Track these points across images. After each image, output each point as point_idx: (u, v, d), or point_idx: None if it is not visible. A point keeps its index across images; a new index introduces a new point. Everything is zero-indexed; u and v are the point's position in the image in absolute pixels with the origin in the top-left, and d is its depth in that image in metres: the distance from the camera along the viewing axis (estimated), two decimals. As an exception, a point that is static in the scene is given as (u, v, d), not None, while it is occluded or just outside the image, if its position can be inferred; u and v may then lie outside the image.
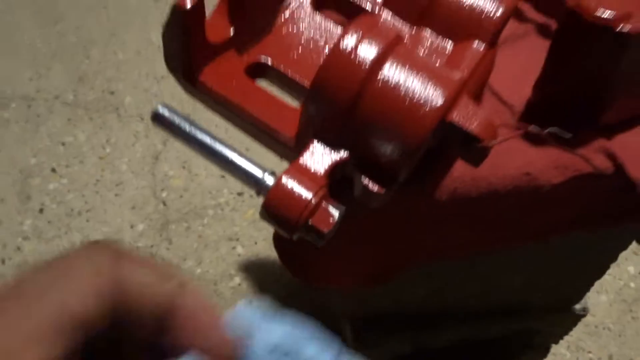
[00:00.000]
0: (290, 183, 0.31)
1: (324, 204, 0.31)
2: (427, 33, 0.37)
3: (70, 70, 1.44)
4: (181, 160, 1.26)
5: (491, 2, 0.37)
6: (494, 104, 0.46)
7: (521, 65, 0.48)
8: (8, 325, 0.15)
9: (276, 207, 0.31)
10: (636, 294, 1.03)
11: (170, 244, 1.13)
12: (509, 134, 0.35)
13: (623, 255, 1.08)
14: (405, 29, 0.37)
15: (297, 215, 0.30)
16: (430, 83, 0.32)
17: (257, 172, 0.33)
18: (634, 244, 0.55)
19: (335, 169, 0.34)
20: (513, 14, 0.53)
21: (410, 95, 0.32)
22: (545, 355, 0.86)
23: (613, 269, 1.06)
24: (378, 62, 0.32)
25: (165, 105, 0.35)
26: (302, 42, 0.45)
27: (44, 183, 1.22)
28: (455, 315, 0.64)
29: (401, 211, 0.41)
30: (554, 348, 0.96)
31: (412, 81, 0.32)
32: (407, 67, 0.32)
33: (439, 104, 0.31)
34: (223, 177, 1.22)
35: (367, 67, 0.31)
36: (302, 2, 0.48)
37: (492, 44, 0.38)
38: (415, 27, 0.37)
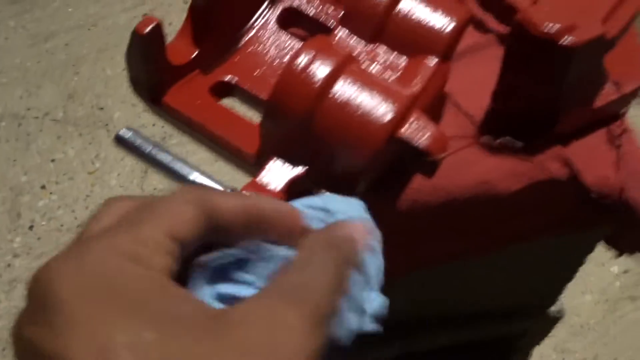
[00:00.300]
0: None
1: None
2: (382, 50, 0.39)
3: (59, 88, 1.46)
4: (170, 174, 1.27)
5: (443, 18, 0.38)
6: (454, 114, 0.47)
7: (482, 76, 0.49)
8: (134, 239, 0.18)
9: None
10: (620, 293, 1.04)
11: (160, 257, 1.14)
12: (459, 146, 0.36)
13: (607, 255, 1.09)
14: (361, 46, 0.39)
15: None
16: (380, 99, 0.33)
17: (218, 189, 0.35)
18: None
19: (292, 185, 0.35)
20: (472, 24, 0.55)
21: (360, 112, 0.33)
22: (530, 357, 0.87)
23: (597, 269, 1.07)
24: (329, 80, 0.33)
25: (129, 129, 0.37)
26: (267, 60, 0.47)
27: (34, 200, 1.23)
28: (436, 322, 0.65)
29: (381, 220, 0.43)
30: (540, 349, 0.97)
31: (363, 98, 0.33)
32: (358, 84, 0.34)
33: (387, 120, 0.33)
34: (211, 189, 1.23)
35: (318, 85, 0.33)
36: (268, 20, 0.49)
37: (445, 58, 0.39)
38: (370, 44, 0.39)
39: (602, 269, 1.06)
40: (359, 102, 0.33)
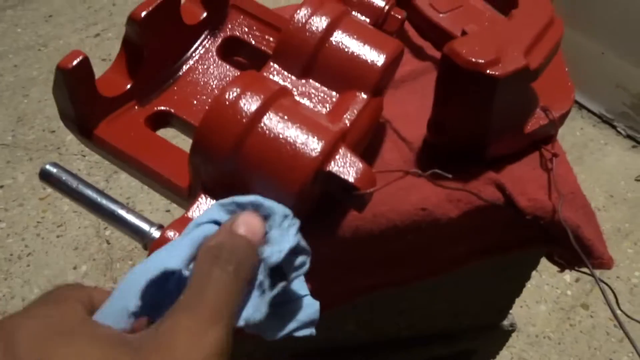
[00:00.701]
0: (173, 237, 0.32)
1: None
2: (313, 84, 0.39)
3: (8, 111, 1.42)
4: (125, 197, 1.24)
5: (371, 54, 0.39)
6: (394, 141, 0.48)
7: (420, 102, 0.51)
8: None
9: None
10: (573, 302, 1.07)
11: (115, 284, 1.11)
12: (387, 181, 0.37)
13: (559, 264, 1.12)
14: (292, 80, 0.39)
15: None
16: (308, 135, 0.33)
17: (143, 226, 0.34)
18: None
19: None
20: (411, 52, 0.56)
21: (288, 147, 0.33)
22: (488, 369, 0.88)
23: (550, 279, 1.10)
24: (256, 116, 0.33)
25: (54, 164, 0.36)
26: (206, 89, 0.47)
27: (-18, 229, 1.19)
28: (389, 344, 0.65)
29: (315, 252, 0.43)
30: (498, 361, 0.98)
31: (291, 133, 0.33)
32: (286, 119, 0.33)
33: (315, 155, 0.33)
34: (168, 211, 1.21)
35: (245, 120, 0.33)
36: (208, 50, 0.49)
37: (376, 92, 0.39)
38: (302, 79, 0.39)
39: (555, 279, 1.08)
40: (286, 137, 0.33)
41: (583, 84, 1.33)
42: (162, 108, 0.45)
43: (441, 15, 0.54)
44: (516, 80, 0.39)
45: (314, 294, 0.49)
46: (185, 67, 0.48)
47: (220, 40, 0.49)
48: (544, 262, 0.56)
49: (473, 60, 0.38)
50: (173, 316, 0.23)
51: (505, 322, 0.71)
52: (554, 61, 0.43)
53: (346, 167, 0.34)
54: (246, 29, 0.50)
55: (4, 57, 1.55)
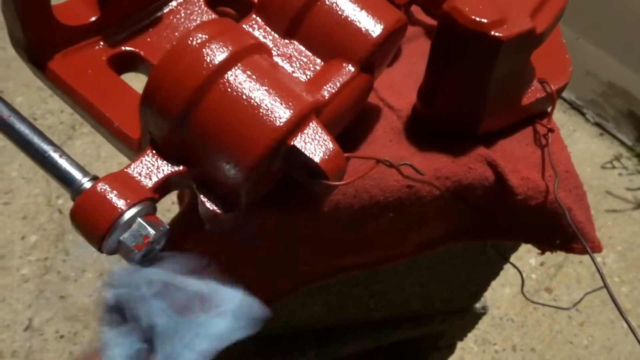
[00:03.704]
0: (104, 191, 0.27)
1: (140, 220, 0.27)
2: (297, 47, 0.34)
3: (-49, 67, 1.31)
4: (81, 164, 1.17)
5: (367, 23, 0.34)
6: (381, 108, 0.44)
7: (409, 69, 0.47)
8: None
9: (83, 215, 0.27)
10: (537, 285, 1.07)
11: (67, 256, 1.05)
12: (357, 175, 0.33)
13: (525, 248, 1.12)
14: (276, 39, 0.34)
15: (104, 227, 0.27)
16: (277, 101, 0.29)
17: (76, 174, 0.29)
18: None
19: (166, 183, 0.30)
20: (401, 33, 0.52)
21: (250, 111, 0.28)
22: (453, 352, 0.87)
23: (515, 262, 1.10)
24: (220, 69, 0.28)
25: None
26: None
27: None
28: (358, 325, 0.63)
29: (282, 230, 0.39)
30: (462, 343, 0.98)
31: (256, 96, 0.28)
32: (254, 79, 0.29)
33: (279, 124, 0.28)
34: (126, 181, 1.15)
35: (205, 71, 0.28)
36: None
37: (366, 68, 0.35)
38: (285, 39, 0.34)
39: (520, 263, 1.08)
40: (250, 99, 0.28)
41: (555, 69, 1.33)
42: (131, 49, 0.40)
43: (433, -24, 0.50)
44: (520, 44, 0.36)
45: (284, 273, 0.46)
46: (165, 9, 0.42)
47: None
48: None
49: (477, 19, 0.34)
50: None
51: (478, 305, 0.69)
52: (552, 33, 0.40)
53: (314, 144, 0.29)
54: None
55: (-53, 8, 1.43)
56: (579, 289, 1.06)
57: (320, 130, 0.30)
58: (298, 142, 0.29)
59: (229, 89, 0.28)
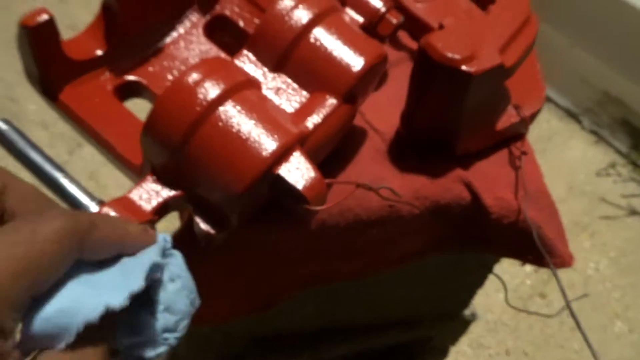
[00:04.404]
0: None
1: None
2: (285, 80, 0.37)
3: (-36, 76, 1.35)
4: (88, 171, 1.21)
5: (349, 58, 0.36)
6: (366, 130, 0.47)
7: (393, 92, 0.50)
8: None
9: None
10: (531, 291, 1.10)
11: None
12: (339, 198, 0.36)
13: (520, 254, 1.15)
14: (266, 73, 0.37)
15: None
16: (264, 133, 0.32)
17: (83, 199, 0.33)
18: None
19: (164, 206, 0.33)
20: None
21: (240, 143, 0.31)
22: (446, 355, 0.90)
23: (510, 268, 1.13)
24: (213, 104, 0.31)
25: (6, 122, 0.35)
26: (184, 66, 0.45)
27: None
28: (349, 329, 0.66)
29: (272, 244, 0.42)
30: (456, 347, 1.01)
31: (246, 129, 0.31)
32: (244, 113, 0.32)
33: (265, 155, 0.31)
34: (133, 187, 1.18)
35: (200, 107, 0.31)
36: (195, 26, 0.47)
37: (348, 99, 0.37)
38: (275, 73, 0.37)
39: (515, 268, 1.11)
40: (240, 132, 0.31)
41: (551, 77, 1.35)
42: (134, 78, 0.43)
43: (418, 5, 0.53)
44: (490, 77, 0.39)
45: (271, 279, 0.49)
46: (167, 40, 0.46)
47: (208, 17, 0.47)
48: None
49: (449, 55, 0.38)
50: None
51: (467, 312, 0.72)
52: (527, 59, 0.43)
53: (297, 173, 0.32)
54: (237, 9, 0.48)
55: (-39, 17, 1.47)
56: (570, 295, 1.08)
57: (303, 160, 0.33)
58: (282, 171, 0.32)
59: (221, 123, 0.32)
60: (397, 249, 0.48)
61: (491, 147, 0.46)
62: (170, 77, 0.45)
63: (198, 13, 0.47)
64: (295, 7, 0.36)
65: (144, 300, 0.26)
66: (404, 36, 0.56)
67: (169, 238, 0.29)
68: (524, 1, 0.43)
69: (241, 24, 0.47)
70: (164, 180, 0.33)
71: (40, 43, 0.36)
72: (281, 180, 0.32)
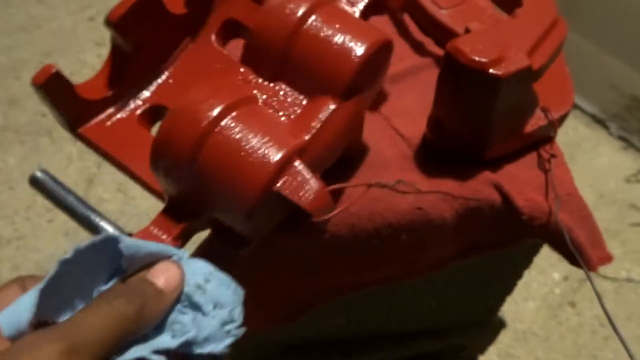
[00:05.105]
0: None
1: None
2: (284, 88, 0.36)
3: (0, 93, 1.40)
4: (116, 183, 1.24)
5: (349, 46, 0.34)
6: (392, 136, 0.48)
7: (419, 98, 0.50)
8: None
9: None
10: (560, 300, 1.08)
11: (106, 270, 1.11)
12: (352, 201, 0.36)
13: (548, 262, 1.13)
14: (262, 84, 0.36)
15: None
16: (260, 150, 0.31)
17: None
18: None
19: (185, 231, 0.33)
20: (411, 47, 0.56)
21: (239, 163, 0.31)
22: (476, 365, 0.89)
23: (539, 277, 1.11)
24: (208, 129, 0.31)
25: (43, 171, 0.37)
26: (201, 78, 0.46)
27: (-29, 212, 1.18)
28: (380, 337, 0.66)
29: (302, 253, 0.43)
30: (485, 356, 0.99)
31: (242, 149, 0.31)
32: (240, 132, 0.31)
33: (262, 175, 0.30)
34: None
35: (197, 135, 0.31)
36: (205, 37, 0.48)
37: (349, 95, 0.35)
38: (272, 83, 0.36)
39: (543, 277, 1.09)
40: (239, 152, 0.31)
41: (578, 83, 1.33)
42: (156, 103, 0.44)
43: (443, 11, 0.53)
44: (518, 80, 0.39)
45: (303, 289, 0.49)
46: (179, 60, 0.47)
47: (217, 25, 0.48)
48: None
49: (476, 59, 0.38)
50: (35, 337, 0.24)
51: (496, 319, 0.72)
52: (555, 62, 0.43)
53: (297, 188, 0.31)
54: (243, 10, 0.47)
55: (-4, 37, 1.52)
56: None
57: (303, 173, 0.32)
58: (281, 187, 0.31)
59: (220, 145, 0.31)
60: (427, 255, 0.48)
61: (519, 150, 0.46)
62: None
63: (204, 24, 0.47)
64: (288, 2, 0.35)
65: (194, 307, 0.28)
66: (428, 42, 0.56)
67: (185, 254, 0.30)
68: (551, 3, 0.43)
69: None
70: (180, 207, 0.33)
71: (54, 95, 0.38)
72: (282, 197, 0.31)
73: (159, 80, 0.44)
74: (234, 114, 0.31)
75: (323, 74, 0.34)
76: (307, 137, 0.33)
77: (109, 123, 0.41)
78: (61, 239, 1.14)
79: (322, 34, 0.35)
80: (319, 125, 0.34)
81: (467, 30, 0.44)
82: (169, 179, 0.33)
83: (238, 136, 0.31)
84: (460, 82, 0.40)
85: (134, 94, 0.43)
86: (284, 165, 0.31)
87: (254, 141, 0.31)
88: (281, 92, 0.35)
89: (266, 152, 0.31)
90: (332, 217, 0.42)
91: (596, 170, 1.28)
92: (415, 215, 0.43)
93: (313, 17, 0.35)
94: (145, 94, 0.44)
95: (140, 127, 0.42)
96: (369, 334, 0.64)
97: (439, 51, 0.55)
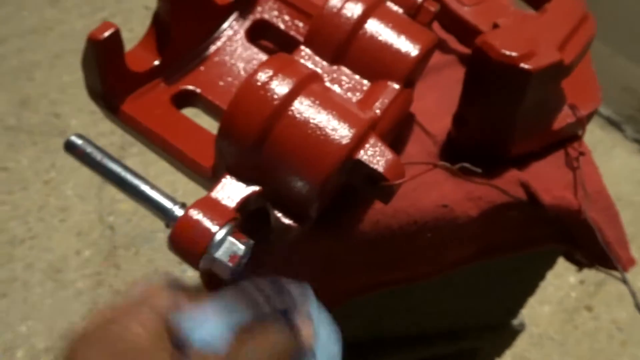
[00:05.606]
0: (197, 216, 0.31)
1: (230, 238, 0.31)
2: (344, 72, 0.38)
3: (12, 94, 1.40)
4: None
5: (406, 44, 0.38)
6: (418, 134, 0.47)
7: (444, 95, 0.50)
8: None
9: (181, 239, 0.31)
10: (576, 303, 1.07)
11: (119, 270, 1.10)
12: (418, 170, 0.36)
13: (564, 266, 1.11)
14: (324, 66, 0.38)
15: (201, 248, 0.30)
16: (339, 121, 0.33)
17: (167, 203, 0.33)
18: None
19: (245, 203, 0.34)
20: (434, 50, 0.55)
21: (317, 133, 0.32)
22: (491, 369, 0.88)
23: (555, 280, 1.10)
24: (287, 99, 0.32)
25: (80, 136, 0.35)
26: (233, 71, 0.46)
27: (-16, 211, 1.18)
28: (396, 339, 0.65)
29: (327, 251, 0.42)
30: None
31: (321, 119, 0.32)
32: (317, 105, 0.33)
33: (345, 142, 0.32)
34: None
35: (276, 103, 0.32)
36: (237, 32, 0.48)
37: (408, 84, 0.39)
38: (333, 65, 0.38)
39: (559, 280, 1.08)
40: (317, 123, 0.32)
41: (592, 86, 1.32)
42: (188, 87, 0.44)
43: (466, 8, 0.53)
44: (549, 75, 0.38)
45: (325, 290, 0.49)
46: (212, 48, 0.47)
47: (249, 22, 0.49)
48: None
49: (506, 53, 0.37)
50: None
51: (515, 322, 0.70)
52: (582, 60, 0.43)
53: (376, 156, 0.33)
54: (276, 13, 0.49)
55: (9, 40, 1.53)
56: (620, 307, 1.04)
57: (379, 143, 0.34)
58: (362, 156, 0.33)
59: (295, 118, 0.32)
60: (449, 253, 0.47)
61: (546, 148, 0.46)
62: (221, 83, 0.46)
63: (239, 20, 0.48)
64: (346, 1, 0.38)
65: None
66: (451, 40, 0.56)
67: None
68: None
69: (282, 26, 0.48)
70: (242, 178, 0.34)
71: (106, 57, 0.38)
72: (361, 165, 0.33)
73: (191, 67, 0.45)
74: (306, 90, 0.33)
75: (384, 64, 0.37)
76: (378, 113, 0.36)
77: (144, 101, 0.41)
78: (73, 238, 1.14)
79: (381, 32, 0.38)
80: (387, 103, 0.36)
81: (496, 26, 0.43)
82: (237, 152, 0.33)
83: (314, 109, 0.33)
84: (489, 78, 0.39)
85: (168, 75, 0.43)
86: (363, 136, 0.33)
87: (331, 114, 0.33)
88: (343, 74, 0.38)
89: (345, 124, 0.33)
90: (358, 214, 0.42)
91: (611, 173, 1.27)
92: (440, 213, 0.42)
93: (371, 19, 0.38)
94: (178, 77, 0.44)
95: (173, 108, 0.42)
96: (385, 336, 0.63)
97: (462, 49, 0.55)
